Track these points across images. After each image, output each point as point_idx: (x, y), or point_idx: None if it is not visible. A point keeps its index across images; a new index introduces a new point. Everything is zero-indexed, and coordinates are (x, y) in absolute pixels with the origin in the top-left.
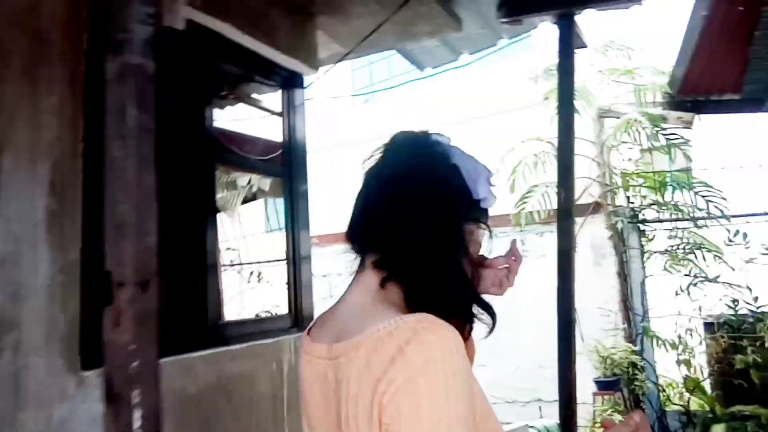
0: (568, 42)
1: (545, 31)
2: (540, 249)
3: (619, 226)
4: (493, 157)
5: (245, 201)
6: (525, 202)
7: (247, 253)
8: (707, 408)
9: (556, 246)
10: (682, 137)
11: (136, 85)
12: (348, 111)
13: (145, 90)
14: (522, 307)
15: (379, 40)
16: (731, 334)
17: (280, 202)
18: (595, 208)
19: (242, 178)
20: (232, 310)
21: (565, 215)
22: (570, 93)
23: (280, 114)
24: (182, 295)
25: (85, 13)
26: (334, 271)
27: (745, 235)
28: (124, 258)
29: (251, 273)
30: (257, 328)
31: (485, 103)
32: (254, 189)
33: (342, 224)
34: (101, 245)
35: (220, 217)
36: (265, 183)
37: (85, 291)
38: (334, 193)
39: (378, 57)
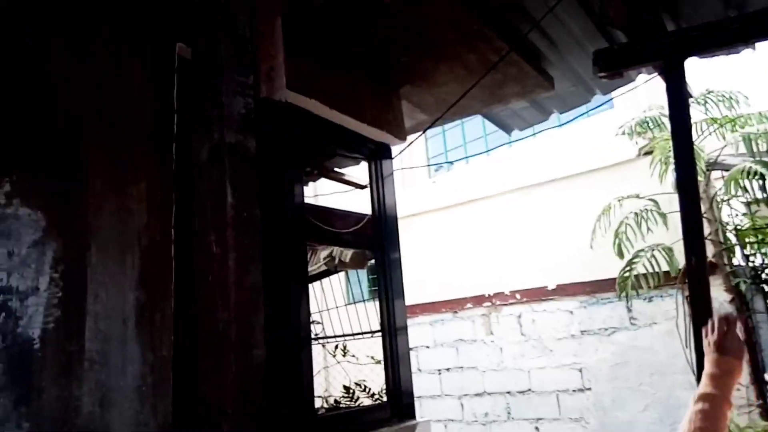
0: (680, 92)
1: (633, 85)
2: (649, 316)
3: (742, 287)
4: (588, 217)
5: (328, 273)
6: (632, 269)
7: (331, 326)
8: None
9: (691, 318)
10: None
11: (233, 167)
12: (423, 180)
13: (245, 172)
14: (631, 381)
15: (466, 105)
16: None
17: (362, 273)
18: (711, 269)
19: (324, 251)
20: (317, 390)
21: (698, 282)
22: (689, 148)
23: (365, 186)
24: (274, 383)
25: (174, 93)
26: (421, 343)
27: None
28: (224, 380)
29: (336, 347)
30: (354, 420)
31: (568, 164)
32: (336, 261)
33: (426, 294)
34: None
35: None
36: (347, 254)
37: (177, 391)
38: (414, 264)
39: (451, 124)
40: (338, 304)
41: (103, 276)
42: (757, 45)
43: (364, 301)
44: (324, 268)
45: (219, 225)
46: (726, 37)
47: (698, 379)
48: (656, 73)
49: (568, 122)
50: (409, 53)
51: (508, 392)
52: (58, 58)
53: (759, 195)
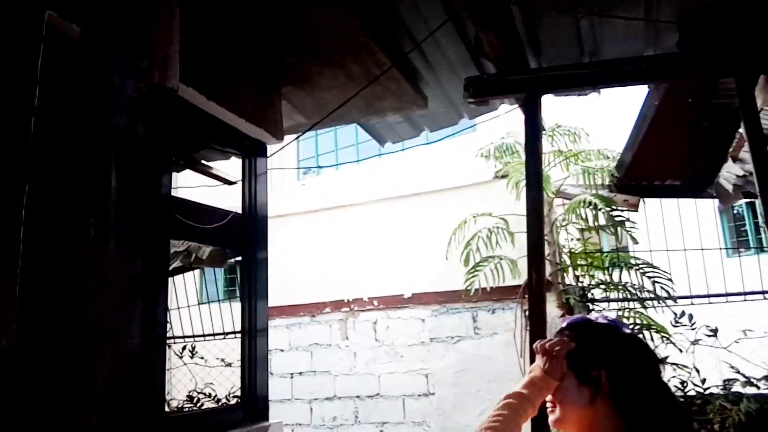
0: (535, 124)
1: (497, 113)
2: (491, 327)
3: (572, 302)
4: (446, 231)
5: (182, 270)
6: (475, 275)
7: (180, 325)
8: None
9: (529, 328)
10: (629, 219)
11: (120, 151)
12: (292, 182)
13: (132, 158)
14: (471, 387)
15: (344, 113)
16: None
17: (219, 272)
18: (547, 286)
19: (180, 247)
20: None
21: (537, 298)
22: (538, 174)
23: (233, 182)
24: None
25: (39, 63)
26: (276, 347)
27: (690, 317)
28: (95, 369)
29: (183, 348)
30: (206, 422)
31: (433, 180)
32: (192, 258)
33: (285, 296)
34: (45, 333)
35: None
36: (205, 251)
37: (25, 384)
38: (275, 266)
39: (324, 129)
40: (190, 303)
41: None
42: (602, 90)
43: (219, 301)
44: (178, 264)
45: (100, 210)
46: (577, 80)
47: None
48: (517, 105)
49: (435, 141)
50: (295, 54)
51: (358, 396)
52: None
53: (591, 223)
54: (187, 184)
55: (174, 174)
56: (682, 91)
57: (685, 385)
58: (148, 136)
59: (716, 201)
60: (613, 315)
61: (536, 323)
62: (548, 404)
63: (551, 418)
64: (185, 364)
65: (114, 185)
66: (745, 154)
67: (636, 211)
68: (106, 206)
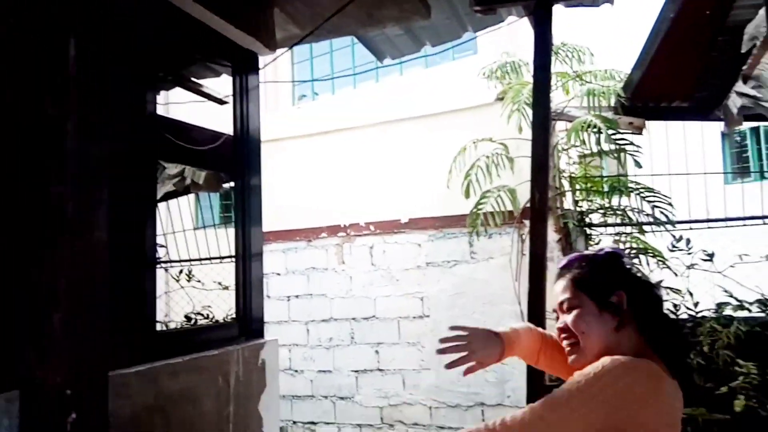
0: (545, 35)
1: (500, 26)
2: (488, 251)
3: (570, 226)
4: (444, 155)
5: (176, 194)
6: (480, 208)
7: (176, 250)
8: None
9: (528, 249)
10: (633, 142)
11: (83, 17)
12: (287, 106)
13: (92, 28)
14: (466, 310)
15: (341, 23)
16: None
17: (214, 197)
18: None
19: (173, 170)
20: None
21: (539, 218)
22: (546, 89)
23: (225, 102)
24: (114, 298)
25: None
26: (273, 270)
27: (687, 241)
28: (59, 263)
29: (180, 272)
30: (200, 338)
31: (431, 103)
32: (186, 182)
33: (281, 221)
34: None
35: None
36: (200, 175)
37: None
38: (271, 190)
39: (320, 51)
40: (186, 228)
41: None
42: (615, 1)
43: (214, 226)
44: (172, 188)
45: (57, 85)
46: None
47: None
48: (524, 15)
49: (436, 63)
50: None
51: (354, 318)
52: None
53: (594, 147)
54: (177, 102)
55: (165, 92)
56: (699, 4)
57: (677, 308)
58: (126, 46)
59: (721, 125)
60: (609, 241)
61: (537, 243)
62: (566, 346)
63: (571, 358)
64: (182, 287)
65: (73, 54)
66: (759, 71)
67: (640, 134)
68: (66, 80)
